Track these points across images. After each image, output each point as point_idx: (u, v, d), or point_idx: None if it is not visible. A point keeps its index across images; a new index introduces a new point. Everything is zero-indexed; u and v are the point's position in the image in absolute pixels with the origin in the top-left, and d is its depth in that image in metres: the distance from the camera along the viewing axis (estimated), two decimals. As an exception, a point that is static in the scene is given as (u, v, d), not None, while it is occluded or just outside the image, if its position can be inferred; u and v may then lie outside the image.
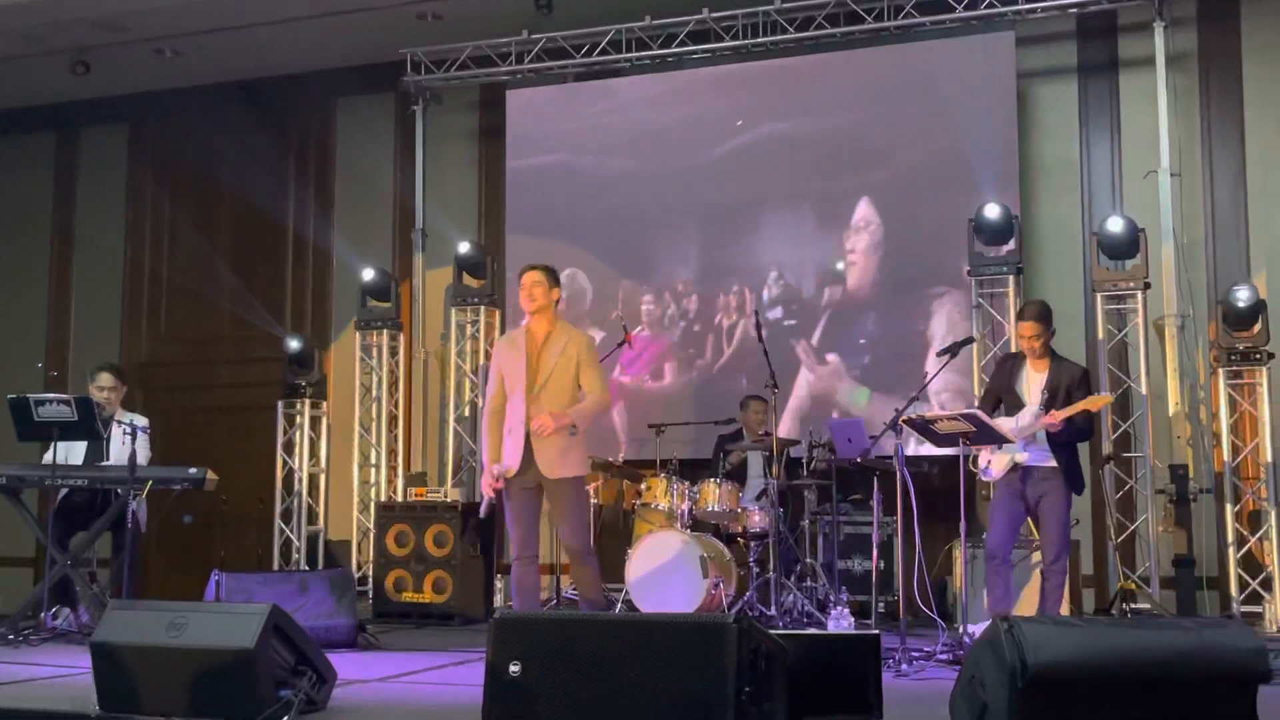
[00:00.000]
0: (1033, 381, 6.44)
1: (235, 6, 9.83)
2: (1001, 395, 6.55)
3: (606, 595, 6.85)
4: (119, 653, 4.36)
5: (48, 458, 7.41)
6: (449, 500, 8.83)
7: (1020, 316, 6.57)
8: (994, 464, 6.42)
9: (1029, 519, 6.70)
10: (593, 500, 8.80)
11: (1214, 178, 8.92)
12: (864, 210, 9.35)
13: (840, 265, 9.35)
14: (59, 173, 11.96)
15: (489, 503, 6.40)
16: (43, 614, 6.95)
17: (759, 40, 9.43)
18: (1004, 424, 6.26)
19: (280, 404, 10.32)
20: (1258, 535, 8.20)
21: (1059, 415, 6.15)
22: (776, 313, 9.43)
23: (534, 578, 6.17)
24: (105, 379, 7.68)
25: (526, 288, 6.18)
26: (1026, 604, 6.93)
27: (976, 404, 7.08)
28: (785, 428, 8.78)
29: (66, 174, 11.94)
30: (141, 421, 7.39)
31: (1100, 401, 6.44)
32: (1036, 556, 7.20)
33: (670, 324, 9.78)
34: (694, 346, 9.70)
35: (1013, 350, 8.11)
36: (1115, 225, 8.33)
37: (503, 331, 10.14)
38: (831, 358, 9.32)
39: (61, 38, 10.30)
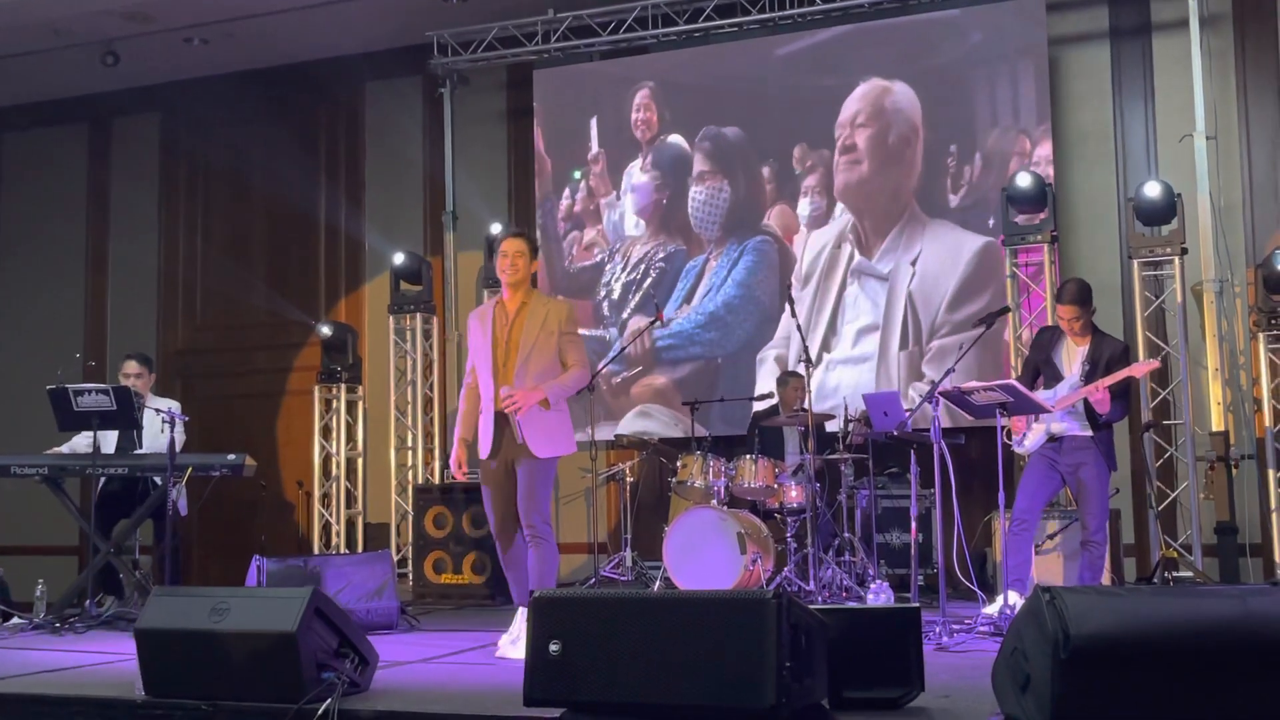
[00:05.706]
0: (1073, 355, 6.41)
1: (261, -7, 9.87)
2: (1040, 367, 6.52)
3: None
4: (163, 638, 4.40)
5: (78, 445, 7.51)
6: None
7: (1059, 299, 6.52)
8: (1029, 436, 6.38)
9: (1064, 491, 6.65)
10: (629, 479, 8.83)
11: (1250, 140, 8.79)
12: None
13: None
14: (92, 164, 12.02)
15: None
16: (87, 602, 7.03)
17: (786, 12, 9.33)
18: (1040, 395, 6.23)
19: (317, 389, 10.38)
20: (1301, 501, 8.12)
21: (1103, 383, 6.11)
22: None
23: (521, 550, 5.62)
24: (130, 366, 7.85)
25: (510, 256, 5.60)
26: (1064, 575, 6.89)
27: (1014, 375, 7.02)
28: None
29: (99, 165, 12.00)
30: (176, 407, 7.45)
31: (1145, 367, 6.39)
32: (1075, 528, 7.16)
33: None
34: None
35: (1050, 323, 8.08)
36: (1151, 190, 8.23)
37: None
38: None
39: (90, 29, 10.35)
